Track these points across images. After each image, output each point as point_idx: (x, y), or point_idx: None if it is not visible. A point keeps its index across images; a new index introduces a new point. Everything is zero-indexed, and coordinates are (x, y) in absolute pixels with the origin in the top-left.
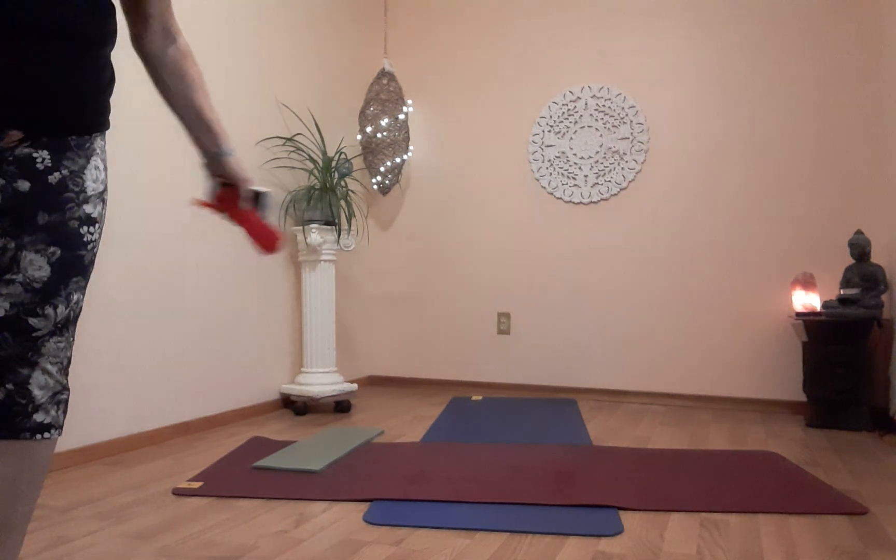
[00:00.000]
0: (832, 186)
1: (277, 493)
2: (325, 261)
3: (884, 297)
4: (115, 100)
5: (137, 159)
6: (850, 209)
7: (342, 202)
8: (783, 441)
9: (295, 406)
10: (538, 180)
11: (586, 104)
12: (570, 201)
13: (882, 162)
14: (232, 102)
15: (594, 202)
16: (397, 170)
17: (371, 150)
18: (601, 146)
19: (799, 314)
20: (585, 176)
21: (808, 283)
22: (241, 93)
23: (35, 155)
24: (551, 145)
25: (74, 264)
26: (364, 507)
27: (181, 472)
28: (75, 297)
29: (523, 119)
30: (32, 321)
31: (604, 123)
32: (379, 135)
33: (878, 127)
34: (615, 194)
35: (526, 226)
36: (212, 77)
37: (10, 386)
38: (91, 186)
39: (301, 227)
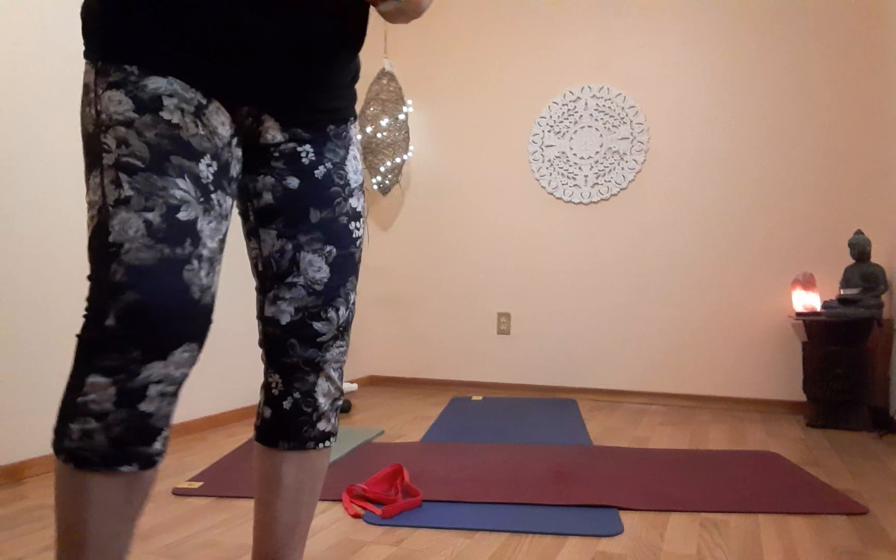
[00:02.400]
0: (832, 186)
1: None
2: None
3: (884, 297)
4: None
5: None
6: (850, 209)
7: None
8: (783, 441)
9: None
10: (538, 180)
11: (586, 104)
12: (570, 201)
13: (882, 162)
14: None
15: (594, 202)
16: (397, 170)
17: (371, 150)
18: (601, 146)
19: (799, 314)
20: (585, 176)
21: (808, 283)
22: None
23: (299, 149)
24: (551, 145)
25: (348, 263)
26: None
27: (181, 472)
28: (352, 297)
29: (523, 119)
30: (317, 326)
31: (604, 123)
32: (379, 135)
33: (878, 127)
34: (615, 194)
35: (526, 226)
36: None
37: (297, 395)
38: (353, 178)
39: None
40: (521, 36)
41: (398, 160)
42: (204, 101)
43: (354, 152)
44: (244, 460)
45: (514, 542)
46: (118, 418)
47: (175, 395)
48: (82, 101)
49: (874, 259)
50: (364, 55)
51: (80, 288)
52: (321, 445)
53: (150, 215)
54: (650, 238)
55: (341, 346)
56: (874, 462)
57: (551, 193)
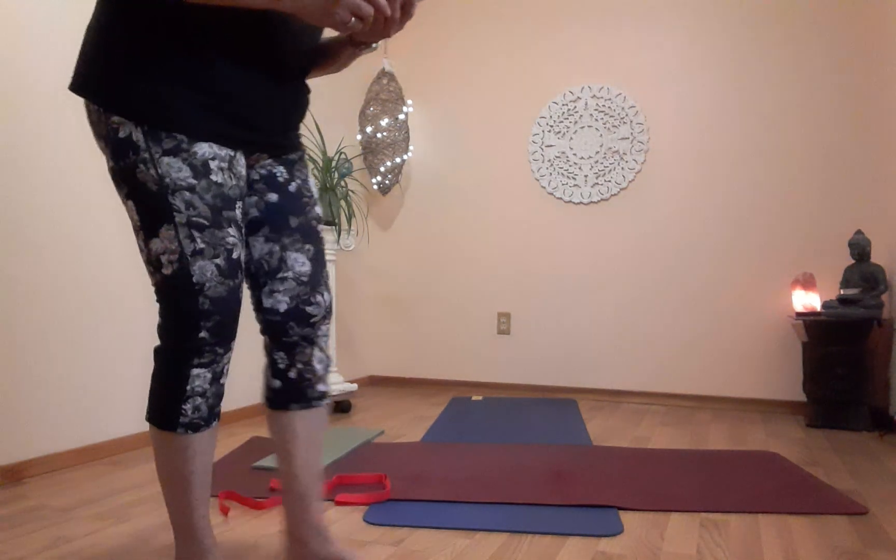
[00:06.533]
0: (832, 186)
1: (277, 493)
2: (326, 261)
3: (884, 297)
4: None
5: None
6: (850, 209)
7: (342, 202)
8: (783, 441)
9: None
10: (538, 180)
11: (586, 104)
12: (570, 201)
13: (882, 162)
14: None
15: (594, 202)
16: (397, 170)
17: (371, 150)
18: (601, 146)
19: (799, 314)
20: (585, 176)
21: (808, 283)
22: None
23: (274, 171)
24: (551, 145)
25: (321, 257)
26: (364, 507)
27: None
28: (328, 283)
29: (523, 119)
30: (309, 309)
31: (604, 123)
32: (379, 135)
33: (878, 127)
34: (615, 194)
35: (526, 226)
36: None
37: (299, 365)
38: (314, 191)
39: None
40: (520, 36)
41: (398, 160)
42: (233, 154)
43: (309, 173)
44: (244, 460)
45: (514, 542)
46: (212, 392)
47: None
48: (126, 155)
49: (874, 259)
50: (364, 55)
51: (79, 290)
52: (322, 403)
53: (218, 261)
54: (650, 238)
55: (328, 323)
56: (874, 462)
57: (551, 193)
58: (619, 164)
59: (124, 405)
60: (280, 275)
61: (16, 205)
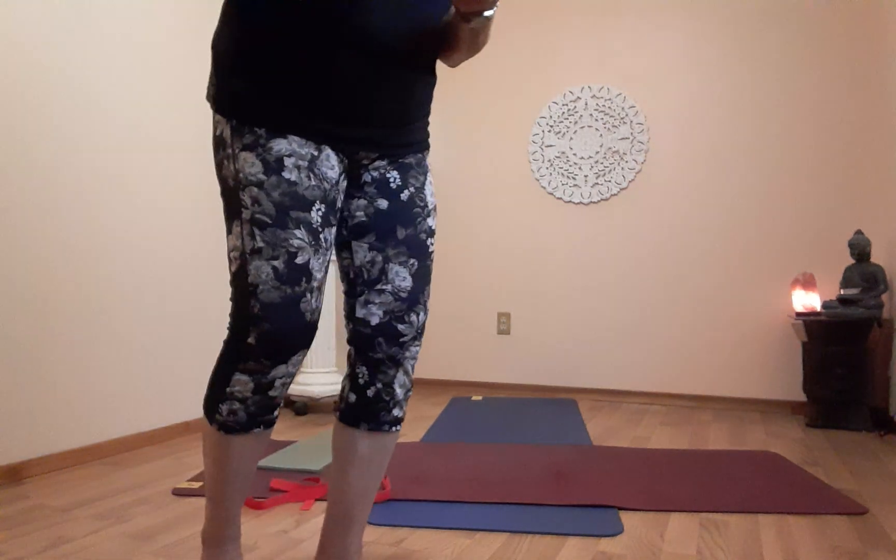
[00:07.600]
0: (832, 186)
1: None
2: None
3: (884, 297)
4: (138, 98)
5: (153, 164)
6: (850, 209)
7: None
8: (783, 441)
9: (295, 406)
10: (538, 180)
11: (586, 104)
12: (570, 201)
13: (882, 162)
14: None
15: (594, 202)
16: None
17: None
18: (601, 146)
19: (799, 314)
20: (585, 176)
21: (808, 283)
22: None
23: (388, 176)
24: (551, 145)
25: (426, 273)
26: None
27: (181, 472)
28: (428, 303)
29: (523, 119)
30: (401, 327)
31: (604, 123)
32: None
33: (878, 127)
34: (615, 194)
35: (526, 226)
36: None
37: (379, 385)
38: (430, 201)
39: None
40: (521, 36)
41: None
42: (316, 153)
43: (430, 179)
44: None
45: (514, 542)
46: (254, 401)
47: (291, 381)
48: (218, 151)
49: (874, 259)
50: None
51: (79, 290)
52: (393, 428)
53: (276, 263)
54: (650, 238)
55: (417, 346)
56: (874, 462)
57: (551, 193)
58: (619, 164)
59: (124, 405)
60: (378, 286)
61: (15, 207)
